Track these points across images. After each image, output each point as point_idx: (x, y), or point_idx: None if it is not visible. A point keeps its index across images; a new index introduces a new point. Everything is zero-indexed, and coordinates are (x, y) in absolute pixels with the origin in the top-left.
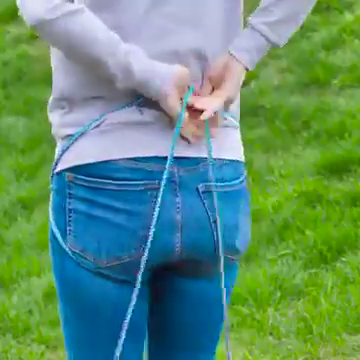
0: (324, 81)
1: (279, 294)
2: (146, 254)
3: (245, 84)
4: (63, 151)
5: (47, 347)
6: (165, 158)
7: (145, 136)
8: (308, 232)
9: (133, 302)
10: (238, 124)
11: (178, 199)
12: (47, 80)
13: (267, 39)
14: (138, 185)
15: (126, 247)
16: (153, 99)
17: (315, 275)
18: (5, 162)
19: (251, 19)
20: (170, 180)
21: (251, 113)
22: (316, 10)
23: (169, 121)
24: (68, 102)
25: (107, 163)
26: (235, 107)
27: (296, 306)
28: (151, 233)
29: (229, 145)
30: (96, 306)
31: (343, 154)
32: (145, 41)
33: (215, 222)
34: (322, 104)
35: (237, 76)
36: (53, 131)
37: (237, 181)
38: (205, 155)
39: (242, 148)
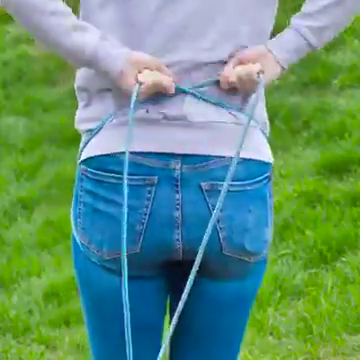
0: (324, 81)
1: (279, 294)
2: (122, 247)
3: None
4: (82, 146)
5: (47, 347)
6: (167, 154)
7: (150, 132)
8: (308, 232)
9: (125, 299)
10: (258, 124)
11: (178, 196)
12: (47, 80)
13: (308, 43)
14: (138, 180)
15: (126, 241)
16: (108, 77)
17: (315, 275)
18: (5, 162)
19: (295, 20)
20: (170, 176)
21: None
22: None
23: (173, 118)
24: (87, 94)
25: (113, 157)
26: (257, 109)
27: (296, 306)
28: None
29: (245, 144)
30: (104, 299)
31: (343, 154)
32: (157, 40)
33: (219, 221)
34: (322, 104)
35: (270, 73)
36: (75, 125)
37: (251, 181)
38: (218, 153)
39: (266, 149)
